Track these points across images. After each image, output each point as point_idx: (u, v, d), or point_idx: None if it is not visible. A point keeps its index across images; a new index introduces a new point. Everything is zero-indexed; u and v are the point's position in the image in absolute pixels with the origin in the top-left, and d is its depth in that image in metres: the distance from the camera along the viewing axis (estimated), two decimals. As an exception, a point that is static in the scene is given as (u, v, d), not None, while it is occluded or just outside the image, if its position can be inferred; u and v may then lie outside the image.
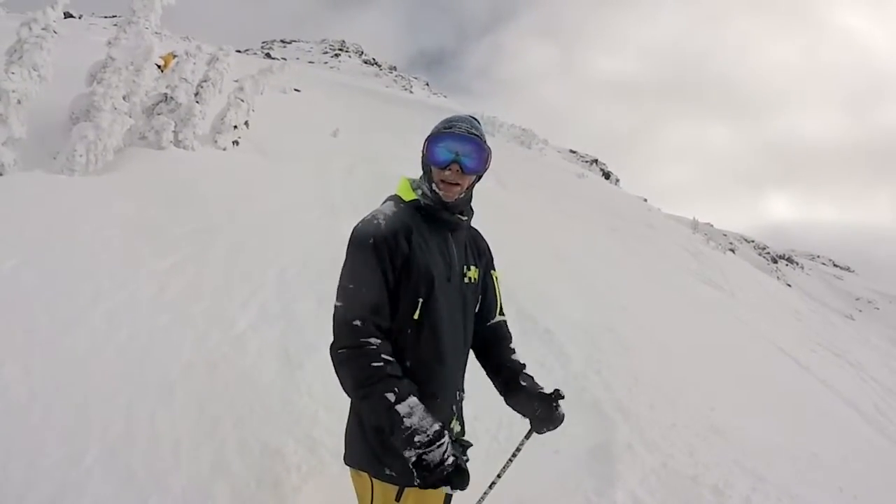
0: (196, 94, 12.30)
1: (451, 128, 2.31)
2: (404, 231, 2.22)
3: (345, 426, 2.39)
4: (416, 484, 2.01)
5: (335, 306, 2.19)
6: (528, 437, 2.60)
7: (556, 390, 2.49)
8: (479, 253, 2.59)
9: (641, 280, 12.99)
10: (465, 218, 2.45)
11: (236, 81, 13.77)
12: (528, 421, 2.53)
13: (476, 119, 2.39)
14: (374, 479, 2.21)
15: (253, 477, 3.71)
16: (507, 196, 16.38)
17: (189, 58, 12.23)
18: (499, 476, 2.59)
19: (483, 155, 2.32)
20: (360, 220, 2.31)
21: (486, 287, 2.62)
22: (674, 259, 17.69)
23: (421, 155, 2.37)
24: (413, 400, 2.01)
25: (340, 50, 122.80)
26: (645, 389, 6.32)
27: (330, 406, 4.51)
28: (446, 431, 2.02)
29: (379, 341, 2.09)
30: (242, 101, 13.33)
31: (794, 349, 11.61)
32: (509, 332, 2.75)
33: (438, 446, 1.95)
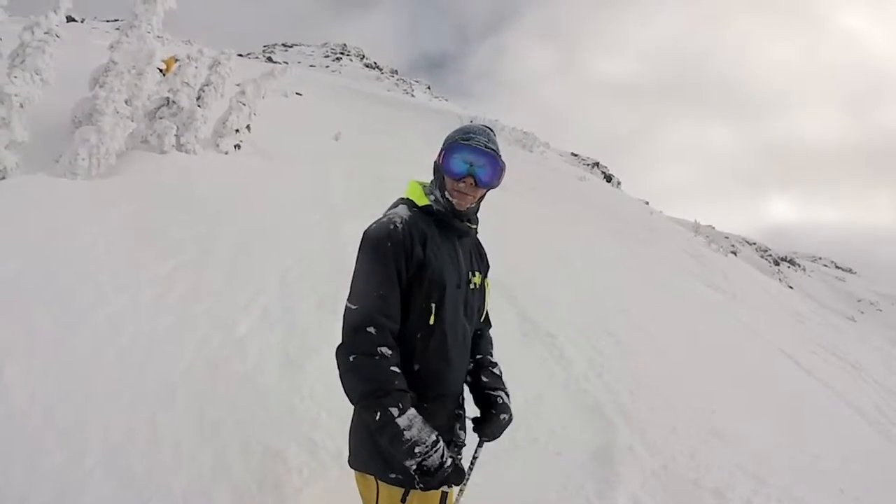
0: (198, 98, 12.31)
1: (468, 140, 2.33)
2: (420, 236, 2.26)
3: (347, 429, 2.41)
4: (419, 487, 2.08)
5: (347, 307, 2.19)
6: (480, 445, 2.54)
7: (499, 396, 2.47)
8: (481, 260, 2.64)
9: (643, 283, 12.99)
10: (474, 226, 2.49)
11: (238, 85, 13.77)
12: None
13: (492, 131, 2.42)
14: (379, 482, 2.23)
15: (254, 479, 3.72)
16: (509, 199, 16.37)
17: (191, 62, 12.24)
18: (464, 484, 2.43)
19: (497, 170, 2.35)
20: (373, 221, 2.33)
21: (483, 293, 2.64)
22: (675, 262, 17.67)
23: (435, 162, 2.40)
24: (412, 412, 2.05)
25: (342, 53, 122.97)
26: (646, 392, 6.32)
27: (331, 409, 4.53)
28: (441, 437, 2.07)
29: (391, 351, 2.11)
30: (244, 104, 13.33)
31: (796, 351, 11.59)
32: (491, 339, 2.77)
33: (436, 451, 2.01)
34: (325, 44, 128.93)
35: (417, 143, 25.36)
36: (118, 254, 6.54)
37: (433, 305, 2.23)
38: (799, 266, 67.62)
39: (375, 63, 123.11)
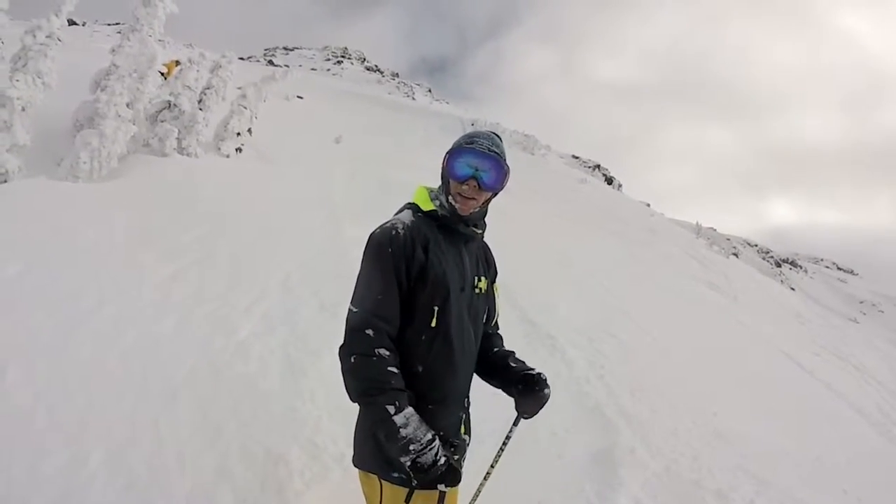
0: (199, 102, 12.35)
1: (472, 143, 2.35)
2: (422, 240, 2.29)
3: (349, 432, 2.44)
4: (413, 485, 2.12)
5: (349, 310, 2.23)
6: (516, 423, 2.67)
7: (540, 374, 2.53)
8: (488, 265, 2.65)
9: (644, 285, 12.99)
10: (480, 231, 2.51)
11: (239, 89, 13.80)
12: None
13: (497, 136, 2.44)
14: (382, 482, 2.25)
15: (256, 482, 3.72)
16: (510, 201, 16.38)
17: (192, 65, 12.27)
18: (492, 466, 2.68)
19: (501, 173, 2.37)
20: (378, 226, 2.35)
21: (491, 298, 2.66)
22: (676, 263, 17.68)
23: (441, 166, 2.41)
24: (409, 411, 2.09)
25: (343, 57, 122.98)
26: (647, 394, 6.32)
27: (333, 412, 4.53)
28: (439, 437, 2.10)
29: (389, 353, 2.15)
30: (245, 108, 13.37)
31: (798, 353, 11.59)
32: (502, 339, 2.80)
33: (430, 449, 2.03)
34: (326, 47, 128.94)
35: (419, 145, 25.41)
36: (120, 257, 6.55)
37: (436, 308, 2.26)
38: (800, 267, 67.58)
39: (376, 66, 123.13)
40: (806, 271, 66.85)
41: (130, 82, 10.03)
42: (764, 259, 57.94)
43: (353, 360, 2.13)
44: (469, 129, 36.39)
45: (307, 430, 4.37)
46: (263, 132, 14.31)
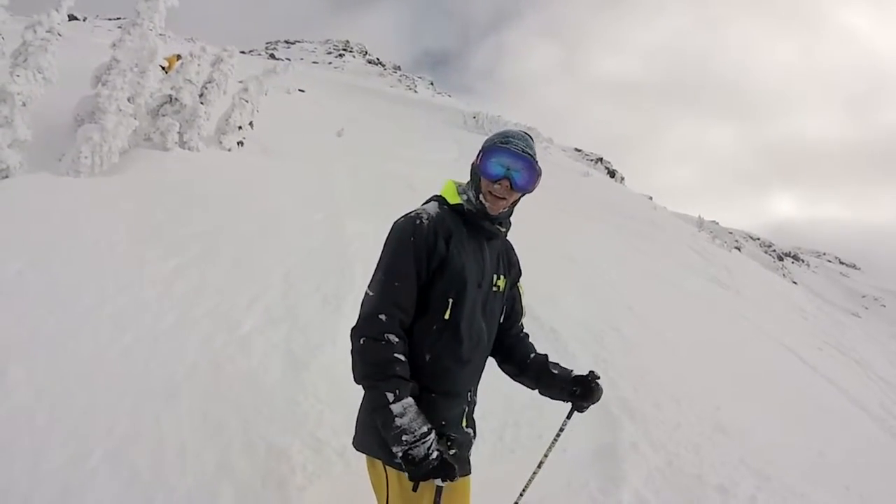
0: (201, 96, 12.31)
1: (507, 143, 2.35)
2: (445, 233, 2.30)
3: (351, 427, 2.43)
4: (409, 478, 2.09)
5: (366, 293, 2.26)
6: (569, 416, 2.79)
7: (591, 371, 2.65)
8: (510, 264, 2.67)
9: (646, 278, 12.97)
10: (504, 229, 2.54)
11: (241, 82, 13.76)
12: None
13: (530, 137, 2.45)
14: (387, 467, 2.26)
15: (258, 477, 3.72)
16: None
17: (193, 59, 12.23)
18: (546, 456, 2.79)
19: (534, 174, 2.37)
20: (402, 215, 2.37)
21: (514, 298, 2.71)
22: (679, 257, 17.66)
23: (473, 163, 2.43)
24: (408, 401, 2.09)
25: (344, 50, 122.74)
26: (650, 388, 6.32)
27: (335, 406, 4.52)
28: (437, 431, 2.11)
29: (398, 339, 2.17)
30: (247, 101, 13.33)
31: (800, 347, 11.58)
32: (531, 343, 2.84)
33: (423, 443, 2.03)
34: (328, 40, 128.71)
35: (421, 139, 25.36)
36: (121, 252, 6.55)
37: (450, 301, 2.27)
38: (803, 261, 67.57)
39: (378, 59, 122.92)
40: (808, 265, 66.84)
41: (131, 77, 9.99)
42: (766, 253, 57.94)
43: (361, 342, 2.14)
44: (471, 122, 36.25)
45: (309, 424, 4.37)
46: (265, 126, 14.27)
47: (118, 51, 10.03)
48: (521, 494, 2.76)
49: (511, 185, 2.33)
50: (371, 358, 2.12)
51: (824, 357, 11.84)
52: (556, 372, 2.66)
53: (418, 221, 2.28)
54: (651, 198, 36.54)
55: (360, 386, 2.19)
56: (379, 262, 2.30)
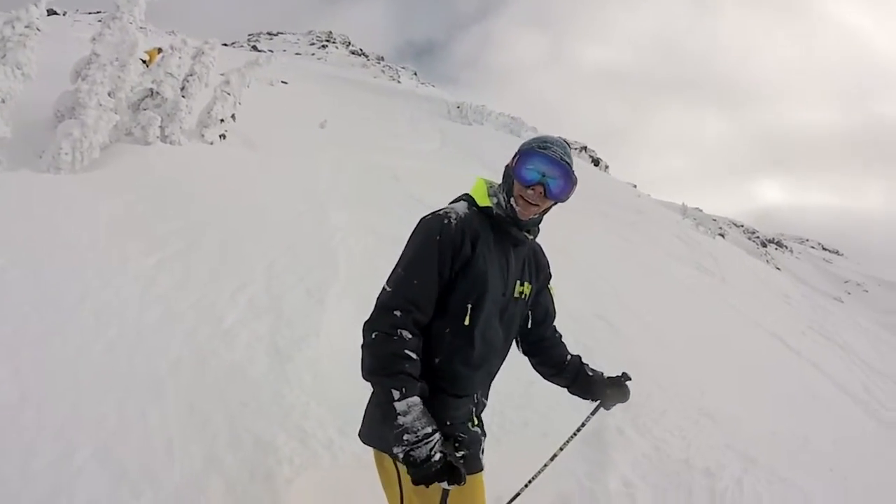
0: (182, 89, 12.18)
1: (545, 148, 2.31)
2: (472, 235, 2.26)
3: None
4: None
5: (383, 288, 2.22)
6: (594, 412, 2.97)
7: (624, 373, 2.91)
8: (538, 269, 2.66)
9: (632, 266, 13.04)
10: (531, 236, 2.51)
11: (222, 75, 13.64)
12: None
13: (569, 144, 2.43)
14: (398, 463, 2.20)
15: (246, 470, 3.71)
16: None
17: (174, 52, 12.10)
18: (561, 449, 2.95)
19: (570, 183, 2.35)
20: (430, 211, 2.34)
21: (546, 301, 2.74)
22: (664, 244, 17.75)
23: (507, 165, 2.39)
24: (414, 400, 2.04)
25: (327, 41, 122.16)
26: (636, 376, 6.33)
27: (321, 398, 4.52)
28: (438, 432, 2.04)
29: (411, 336, 2.12)
30: (229, 94, 13.22)
31: (785, 333, 11.68)
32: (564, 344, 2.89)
33: (426, 443, 1.97)
34: (311, 31, 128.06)
35: (405, 130, 25.31)
36: (103, 247, 6.49)
37: (469, 306, 2.24)
38: (786, 248, 68.14)
39: (361, 50, 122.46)
40: (792, 251, 67.43)
41: (112, 71, 9.88)
42: (749, 239, 58.43)
43: (374, 336, 2.11)
44: (454, 113, 36.21)
45: (295, 415, 4.35)
46: (247, 118, 14.16)
47: (98, 45, 9.92)
48: (526, 486, 2.85)
49: (545, 191, 2.30)
50: (380, 352, 2.09)
51: (808, 342, 11.95)
52: (591, 374, 2.82)
53: (446, 220, 2.24)
54: (635, 186, 36.70)
55: (368, 379, 2.15)
56: (401, 257, 2.27)
